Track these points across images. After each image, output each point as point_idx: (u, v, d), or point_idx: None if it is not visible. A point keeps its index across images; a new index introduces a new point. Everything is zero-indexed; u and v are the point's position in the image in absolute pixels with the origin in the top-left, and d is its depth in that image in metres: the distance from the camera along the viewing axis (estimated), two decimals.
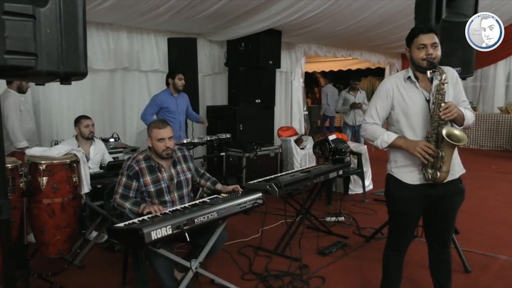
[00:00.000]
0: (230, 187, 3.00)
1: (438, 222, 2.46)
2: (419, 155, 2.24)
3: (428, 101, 2.33)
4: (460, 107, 2.34)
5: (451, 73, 2.40)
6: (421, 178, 2.33)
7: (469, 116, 2.34)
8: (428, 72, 2.32)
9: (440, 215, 2.44)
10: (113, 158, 4.47)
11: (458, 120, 2.31)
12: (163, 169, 2.90)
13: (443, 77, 2.26)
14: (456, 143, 2.23)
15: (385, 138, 2.37)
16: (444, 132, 2.21)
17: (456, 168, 2.40)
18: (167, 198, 2.89)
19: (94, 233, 3.86)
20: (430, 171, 2.28)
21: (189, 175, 3.04)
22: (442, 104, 2.23)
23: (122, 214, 2.95)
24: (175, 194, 2.93)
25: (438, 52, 2.31)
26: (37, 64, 1.53)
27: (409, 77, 2.38)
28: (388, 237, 2.62)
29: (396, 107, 2.39)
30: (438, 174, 2.26)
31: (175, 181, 2.94)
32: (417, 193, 2.36)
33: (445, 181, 2.30)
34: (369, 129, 2.45)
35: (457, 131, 2.25)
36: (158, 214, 2.53)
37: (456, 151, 2.39)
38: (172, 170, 2.96)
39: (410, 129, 2.36)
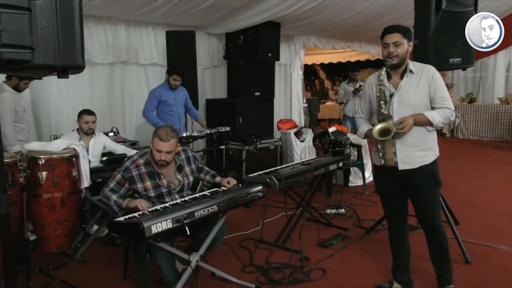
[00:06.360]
0: (225, 180, 2.97)
1: (414, 200, 2.68)
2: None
3: (391, 95, 2.54)
4: (435, 103, 2.53)
5: (426, 71, 2.57)
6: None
7: (441, 115, 2.49)
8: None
9: (412, 191, 2.65)
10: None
11: (422, 125, 2.52)
12: (162, 176, 2.88)
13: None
14: (382, 137, 2.50)
15: (361, 130, 2.80)
16: (375, 128, 2.51)
17: (415, 159, 2.56)
18: (167, 199, 2.88)
19: (95, 227, 3.87)
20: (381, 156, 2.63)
21: (191, 179, 3.04)
22: (381, 103, 2.53)
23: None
24: (176, 196, 2.93)
25: (399, 49, 2.49)
26: (33, 58, 1.52)
27: (382, 74, 2.60)
28: None
29: (372, 103, 2.70)
30: (383, 161, 2.60)
31: (180, 186, 2.94)
32: (384, 172, 2.67)
33: (402, 169, 2.56)
34: (357, 122, 2.93)
35: (382, 125, 2.50)
36: (146, 212, 2.51)
37: (424, 145, 2.57)
38: (178, 176, 2.95)
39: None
